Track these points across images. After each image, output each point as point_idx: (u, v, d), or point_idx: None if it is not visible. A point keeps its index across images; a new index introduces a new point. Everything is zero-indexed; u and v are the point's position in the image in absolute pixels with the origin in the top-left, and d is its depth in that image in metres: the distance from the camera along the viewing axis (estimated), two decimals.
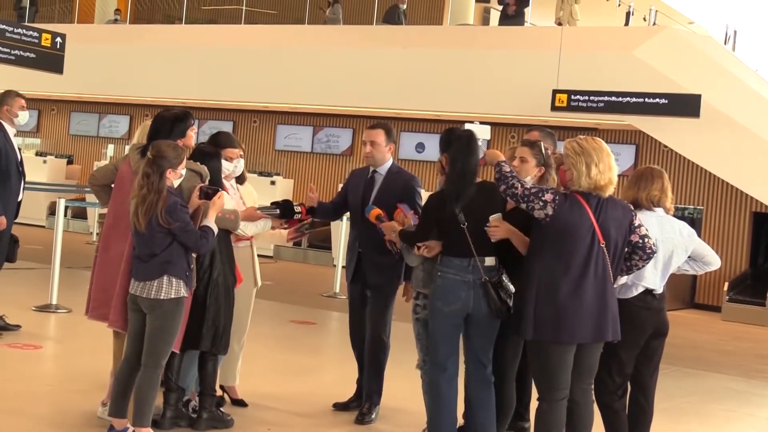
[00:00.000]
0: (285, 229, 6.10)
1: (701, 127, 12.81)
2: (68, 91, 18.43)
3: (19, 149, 7.77)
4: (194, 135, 5.46)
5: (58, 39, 11.11)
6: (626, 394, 5.14)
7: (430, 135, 16.59)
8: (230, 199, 5.54)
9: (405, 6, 17.32)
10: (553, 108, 13.45)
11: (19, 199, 7.63)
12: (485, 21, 19.69)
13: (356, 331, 6.19)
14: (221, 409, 5.61)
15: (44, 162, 19.05)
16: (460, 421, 5.23)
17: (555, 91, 13.42)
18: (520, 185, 4.69)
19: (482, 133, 5.51)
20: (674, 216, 5.18)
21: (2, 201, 7.38)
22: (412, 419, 5.98)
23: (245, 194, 5.91)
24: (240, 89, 16.67)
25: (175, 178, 4.91)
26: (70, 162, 20.13)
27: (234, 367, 6.02)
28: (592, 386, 4.89)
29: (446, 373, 5.03)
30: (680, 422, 6.91)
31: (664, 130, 13.35)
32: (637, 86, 13.06)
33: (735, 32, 19.57)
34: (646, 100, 12.90)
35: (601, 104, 13.23)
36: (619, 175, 4.82)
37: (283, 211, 5.86)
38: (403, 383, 6.21)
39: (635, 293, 5.00)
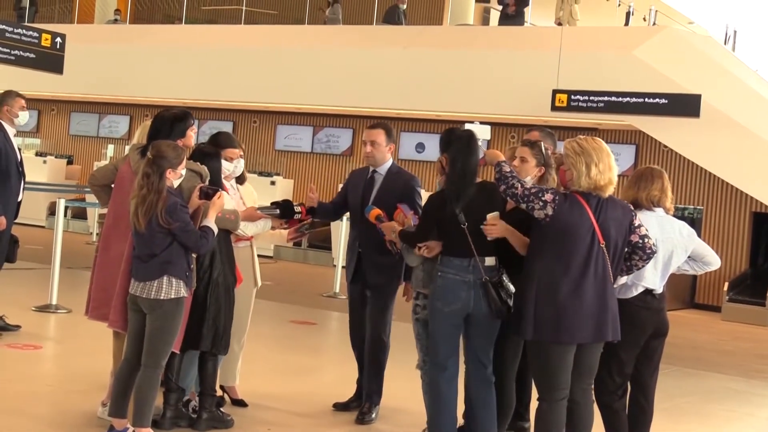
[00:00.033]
0: (285, 229, 6.10)
1: (701, 127, 12.82)
2: (68, 91, 18.43)
3: (19, 149, 7.77)
4: (194, 135, 5.46)
5: (58, 39, 11.11)
6: (626, 394, 5.14)
7: (430, 135, 16.59)
8: (230, 199, 5.54)
9: (405, 6, 17.33)
10: (553, 108, 13.45)
11: (19, 200, 7.62)
12: (485, 21, 19.69)
13: (356, 331, 6.19)
14: (221, 409, 5.60)
15: (44, 162, 19.05)
16: (460, 421, 5.24)
17: (555, 91, 13.42)
18: (520, 185, 4.69)
19: (482, 133, 5.51)
20: (674, 216, 5.18)
21: (2, 201, 7.38)
22: (412, 419, 5.98)
23: (245, 194, 5.91)
24: (240, 89, 16.67)
25: (175, 178, 4.91)
26: (70, 162, 20.13)
27: (234, 367, 6.02)
28: (592, 386, 4.89)
29: (446, 373, 5.03)
30: (680, 422, 6.91)
31: (664, 130, 13.35)
32: (637, 86, 13.06)
33: (735, 32, 19.61)
34: (646, 100, 12.91)
35: (601, 104, 13.24)
36: (619, 175, 4.82)
37: (283, 211, 5.86)
38: (403, 383, 6.21)
39: (635, 293, 5.00)
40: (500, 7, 16.75)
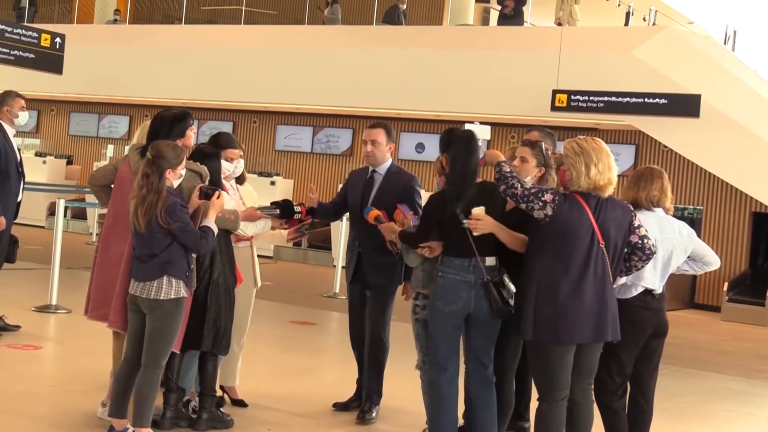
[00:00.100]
0: (285, 229, 6.10)
1: (701, 127, 12.82)
2: (68, 91, 18.42)
3: (19, 149, 7.77)
4: (193, 135, 5.46)
5: (58, 39, 11.11)
6: (626, 394, 5.14)
7: (430, 135, 16.59)
8: (230, 199, 5.54)
9: (405, 6, 17.33)
10: (553, 108, 13.45)
11: (19, 200, 7.62)
12: (485, 21, 19.70)
13: (356, 331, 6.19)
14: (221, 409, 5.60)
15: (44, 162, 19.05)
16: (461, 421, 5.23)
17: (555, 91, 13.42)
18: (519, 185, 4.69)
19: (482, 133, 5.53)
20: (674, 216, 5.18)
21: (2, 201, 7.38)
22: (412, 419, 5.98)
23: (245, 194, 5.91)
24: (240, 89, 16.67)
25: (175, 178, 4.91)
26: (69, 162, 20.14)
27: (234, 368, 6.01)
28: (592, 386, 4.89)
29: (447, 373, 5.02)
30: (680, 422, 6.91)
31: (664, 130, 13.35)
32: (637, 86, 13.06)
33: (735, 32, 19.60)
34: (646, 100, 12.91)
35: (601, 104, 13.24)
36: (619, 175, 4.82)
37: (283, 211, 5.86)
38: (403, 383, 6.20)
39: (635, 293, 4.99)
40: (500, 8, 16.75)
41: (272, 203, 5.92)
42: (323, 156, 18.14)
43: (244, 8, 19.03)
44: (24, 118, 7.62)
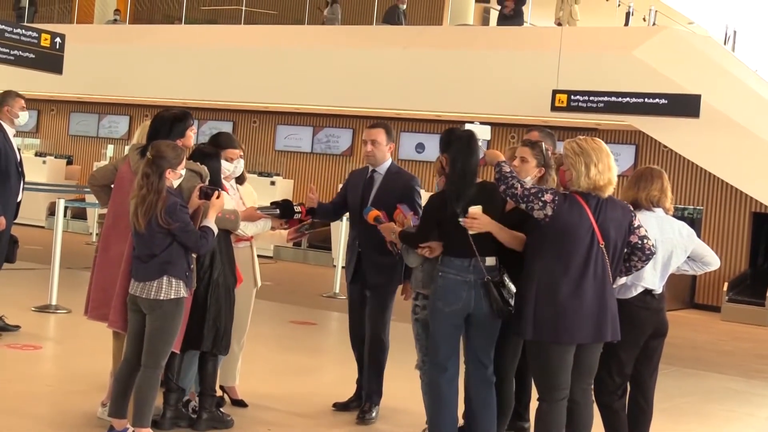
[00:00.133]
0: (285, 229, 6.10)
1: (701, 127, 12.82)
2: (68, 91, 18.43)
3: (19, 149, 7.77)
4: (193, 135, 5.45)
5: (58, 39, 11.11)
6: (626, 394, 5.14)
7: (430, 135, 16.59)
8: (230, 199, 5.54)
9: (405, 6, 17.33)
10: (553, 108, 13.45)
11: (19, 200, 7.62)
12: (485, 21, 19.70)
13: (356, 331, 6.19)
14: (221, 409, 5.60)
15: (44, 162, 19.05)
16: (461, 421, 5.23)
17: (555, 92, 13.42)
18: (519, 185, 4.69)
19: (482, 133, 5.53)
20: (674, 216, 5.18)
21: (2, 201, 7.38)
22: (412, 419, 5.98)
23: (245, 194, 5.91)
24: (240, 89, 16.67)
25: (175, 178, 4.91)
26: (69, 162, 20.14)
27: (234, 368, 6.01)
28: (592, 386, 4.89)
29: (447, 373, 5.02)
30: (680, 422, 6.91)
31: (664, 130, 13.35)
32: (637, 86, 13.06)
33: (735, 32, 19.60)
34: (646, 100, 12.91)
35: (601, 104, 13.24)
36: (619, 176, 4.82)
37: (283, 211, 5.87)
38: (403, 383, 6.20)
39: (635, 293, 4.99)
40: (500, 8, 16.75)
41: (272, 203, 5.92)
42: (323, 156, 18.14)
43: (244, 8, 19.04)
44: (24, 118, 7.62)
